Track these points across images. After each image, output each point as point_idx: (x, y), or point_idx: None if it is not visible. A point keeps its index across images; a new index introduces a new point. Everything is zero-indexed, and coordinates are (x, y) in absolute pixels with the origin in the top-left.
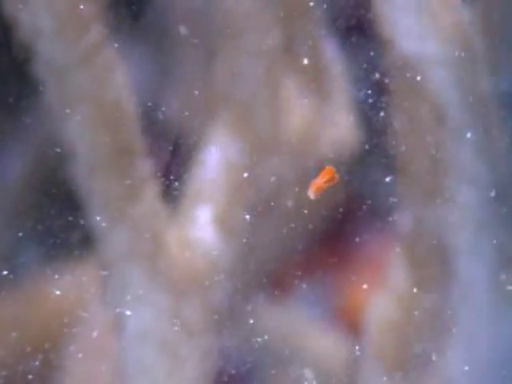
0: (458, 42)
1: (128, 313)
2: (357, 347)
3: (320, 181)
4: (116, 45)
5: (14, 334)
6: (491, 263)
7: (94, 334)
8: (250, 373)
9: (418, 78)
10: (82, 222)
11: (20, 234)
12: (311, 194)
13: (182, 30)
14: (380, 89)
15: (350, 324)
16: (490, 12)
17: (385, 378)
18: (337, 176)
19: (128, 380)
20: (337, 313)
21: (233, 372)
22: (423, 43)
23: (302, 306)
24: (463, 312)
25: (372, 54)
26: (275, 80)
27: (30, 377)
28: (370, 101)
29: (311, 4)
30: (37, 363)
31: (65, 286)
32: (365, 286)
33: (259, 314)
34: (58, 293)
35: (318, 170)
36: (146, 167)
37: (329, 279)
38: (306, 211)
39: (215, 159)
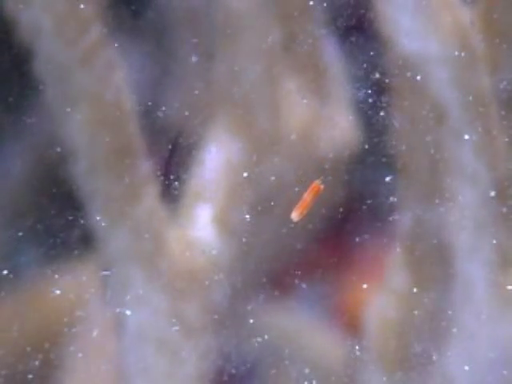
0: (457, 41)
1: (128, 313)
2: (357, 347)
3: (307, 198)
4: (116, 45)
5: (14, 333)
6: (491, 263)
7: (94, 334)
8: (250, 373)
9: (418, 78)
10: (82, 221)
11: (20, 234)
12: (295, 216)
13: (183, 32)
14: (380, 89)
15: (350, 324)
16: (490, 12)
17: (385, 378)
18: (321, 187)
19: (128, 380)
20: (337, 313)
21: (233, 372)
22: (423, 43)
23: (302, 306)
24: (463, 312)
25: (372, 53)
26: (275, 80)
27: (30, 376)
28: (370, 101)
29: (311, 3)
30: (37, 363)
31: (65, 285)
32: (365, 286)
33: (259, 313)
34: (58, 293)
35: (303, 192)
36: (146, 167)
37: (329, 279)
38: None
39: (215, 159)
